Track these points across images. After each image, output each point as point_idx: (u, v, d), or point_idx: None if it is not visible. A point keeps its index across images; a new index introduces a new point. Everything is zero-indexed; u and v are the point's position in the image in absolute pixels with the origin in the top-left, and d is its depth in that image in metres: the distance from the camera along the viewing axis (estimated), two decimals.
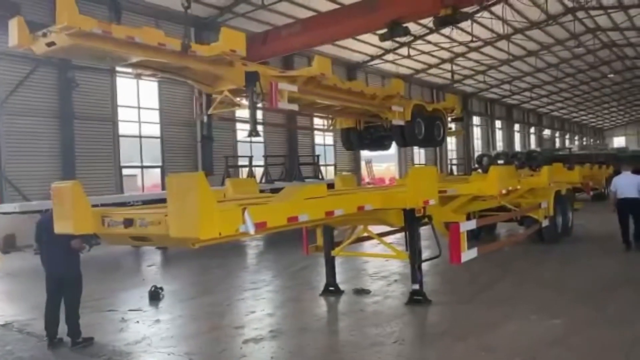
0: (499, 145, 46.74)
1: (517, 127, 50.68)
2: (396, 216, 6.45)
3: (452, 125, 15.44)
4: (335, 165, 29.93)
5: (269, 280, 8.82)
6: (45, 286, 5.71)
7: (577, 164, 18.54)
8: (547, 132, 57.25)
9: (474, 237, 11.83)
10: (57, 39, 6.28)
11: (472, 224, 7.25)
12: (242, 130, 23.82)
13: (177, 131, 21.18)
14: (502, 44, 29.24)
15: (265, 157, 20.99)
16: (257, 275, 9.35)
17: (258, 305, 7.04)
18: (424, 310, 6.45)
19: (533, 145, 50.57)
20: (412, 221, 6.47)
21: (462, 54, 31.00)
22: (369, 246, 9.45)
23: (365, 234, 7.30)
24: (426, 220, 6.53)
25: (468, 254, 6.75)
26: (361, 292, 7.47)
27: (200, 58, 7.35)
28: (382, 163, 35.99)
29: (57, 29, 6.15)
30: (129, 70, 19.02)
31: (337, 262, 8.10)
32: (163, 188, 20.63)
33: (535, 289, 7.32)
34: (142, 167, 20.23)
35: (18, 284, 10.51)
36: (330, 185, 8.27)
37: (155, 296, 7.66)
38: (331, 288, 7.44)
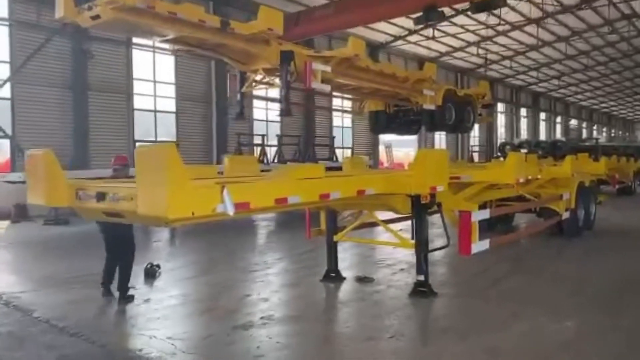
0: (523, 133, 45.57)
1: (543, 115, 49.33)
2: (403, 202, 6.02)
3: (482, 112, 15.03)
4: (352, 148, 29.43)
5: (272, 262, 8.51)
6: (105, 247, 6.33)
7: (603, 155, 17.74)
8: (574, 122, 55.60)
9: (490, 227, 11.42)
10: (102, 12, 6.40)
11: (484, 214, 6.78)
12: (259, 109, 23.60)
13: (192, 106, 20.96)
14: (531, 28, 28.12)
15: (280, 136, 20.56)
16: (261, 257, 9.05)
17: (255, 289, 6.73)
18: (427, 303, 6.05)
19: (559, 135, 49.17)
20: (419, 208, 6.03)
21: (489, 38, 29.96)
22: (378, 232, 9.04)
23: (371, 220, 6.89)
24: (435, 208, 6.09)
25: (479, 246, 6.30)
26: (364, 279, 7.10)
27: (238, 36, 7.40)
28: (402, 148, 35.36)
29: (102, 2, 6.29)
30: (149, 43, 19.19)
31: (343, 247, 7.76)
32: None
33: (548, 286, 6.84)
34: (156, 142, 20.01)
35: (21, 254, 10.41)
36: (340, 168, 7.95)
37: (151, 274, 7.40)
38: (332, 274, 7.08)
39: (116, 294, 6.23)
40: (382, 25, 25.72)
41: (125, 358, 4.49)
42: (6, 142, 16.09)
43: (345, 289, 6.74)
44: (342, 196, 4.71)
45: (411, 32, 27.43)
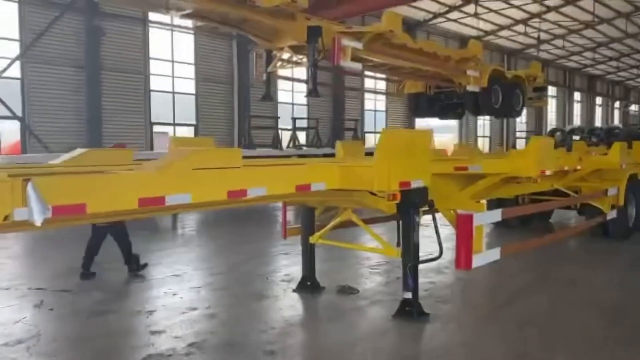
0: (576, 119, 42.43)
1: (599, 100, 45.81)
2: (384, 200, 4.73)
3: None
4: None
5: (244, 263, 7.32)
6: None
7: None
8: (634, 108, 51.50)
9: (523, 223, 9.88)
10: None
11: (493, 215, 5.33)
12: (284, 91, 22.45)
13: (213, 88, 20.02)
14: (587, 3, 25.51)
15: (294, 119, 19.31)
16: (239, 255, 7.88)
17: (207, 300, 5.59)
18: (413, 329, 4.74)
19: (617, 122, 45.60)
20: (406, 208, 4.72)
21: (538, 15, 27.45)
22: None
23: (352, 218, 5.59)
24: (427, 208, 4.76)
25: (484, 257, 4.91)
26: (346, 291, 5.84)
27: (261, 9, 6.79)
28: (443, 134, 33.44)
29: None
30: (167, 20, 18.34)
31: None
32: None
33: (578, 310, 5.35)
34: (174, 124, 19.26)
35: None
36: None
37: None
38: (308, 283, 5.86)
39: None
40: (420, 2, 23.95)
41: None
42: (16, 124, 15.62)
43: (318, 304, 5.51)
44: (269, 193, 3.48)
45: (452, 9, 25.48)
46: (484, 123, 33.87)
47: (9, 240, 8.82)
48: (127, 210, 2.87)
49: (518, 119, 35.88)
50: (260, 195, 3.41)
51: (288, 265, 6.96)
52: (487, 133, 34.78)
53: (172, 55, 18.95)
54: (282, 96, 22.55)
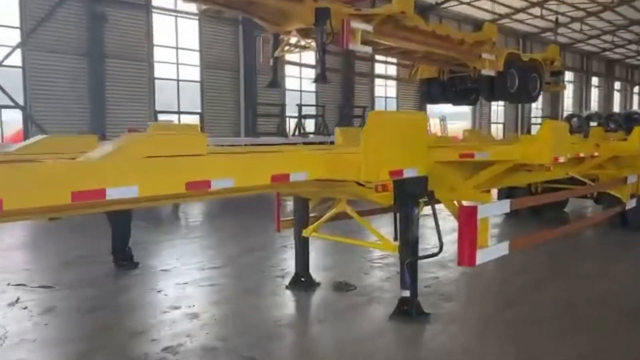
0: (594, 105, 41.34)
1: (617, 85, 44.55)
2: (382, 193, 4.33)
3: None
4: None
5: (241, 257, 6.97)
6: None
7: None
8: None
9: (536, 213, 9.40)
10: None
11: (500, 207, 4.87)
12: (292, 78, 21.99)
13: (218, 75, 19.63)
14: None
15: (299, 106, 18.87)
16: (238, 248, 7.52)
17: (191, 298, 5.22)
18: (410, 331, 4.35)
19: (636, 107, 44.35)
20: (404, 200, 4.31)
21: None
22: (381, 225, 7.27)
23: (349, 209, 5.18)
24: (426, 199, 4.34)
25: (489, 252, 4.48)
26: (342, 287, 5.46)
27: None
28: (455, 121, 32.71)
29: None
30: (171, 6, 17.96)
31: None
32: None
33: (594, 308, 4.92)
34: (179, 112, 18.93)
35: None
36: None
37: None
38: (302, 279, 5.49)
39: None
40: None
41: None
42: (18, 113, 15.42)
43: (310, 303, 5.14)
44: (239, 185, 3.08)
45: None
46: (497, 109, 33.12)
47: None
48: (46, 206, 2.46)
49: (533, 105, 35.01)
50: (228, 187, 3.01)
51: (287, 259, 6.57)
52: (501, 119, 34.01)
53: (176, 41, 18.58)
54: (290, 83, 22.09)
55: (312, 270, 5.88)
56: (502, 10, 28.11)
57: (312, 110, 20.68)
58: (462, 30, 26.49)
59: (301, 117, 17.81)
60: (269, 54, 8.13)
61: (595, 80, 41.67)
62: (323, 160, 3.51)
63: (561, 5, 27.93)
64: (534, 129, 32.56)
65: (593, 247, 7.61)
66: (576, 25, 31.71)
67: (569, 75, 38.36)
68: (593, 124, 25.32)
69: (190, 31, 18.85)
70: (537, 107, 36.11)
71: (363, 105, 22.90)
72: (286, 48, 8.15)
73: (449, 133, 31.02)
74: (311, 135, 16.14)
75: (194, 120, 19.31)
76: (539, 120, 35.93)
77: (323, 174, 3.51)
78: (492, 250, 4.52)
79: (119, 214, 6.18)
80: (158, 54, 18.07)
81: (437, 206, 4.73)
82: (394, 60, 11.38)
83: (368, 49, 7.89)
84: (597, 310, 4.86)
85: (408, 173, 3.72)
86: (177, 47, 18.60)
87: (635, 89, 47.53)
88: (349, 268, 6.20)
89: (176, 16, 18.41)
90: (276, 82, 8.95)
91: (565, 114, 35.05)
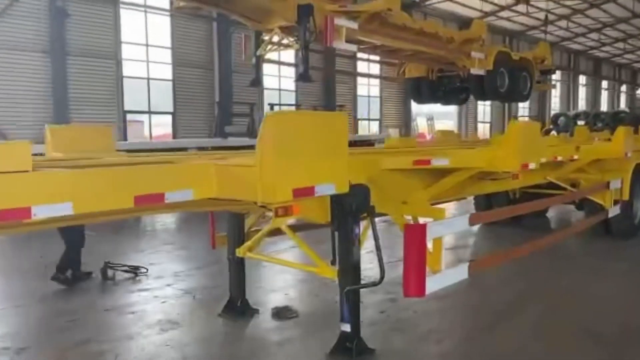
0: (581, 104, 40.98)
1: (604, 84, 44.25)
2: (317, 208, 3.64)
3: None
4: (380, 121, 26.71)
5: (185, 275, 6.22)
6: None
7: None
8: None
9: (515, 220, 8.75)
10: None
11: (455, 224, 4.16)
12: (270, 76, 21.26)
13: (191, 73, 18.86)
14: None
15: (271, 105, 18.18)
16: (188, 263, 6.79)
17: (106, 328, 4.49)
18: None
19: (623, 106, 44.05)
20: (342, 216, 3.61)
21: None
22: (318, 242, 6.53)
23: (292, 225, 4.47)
24: (365, 214, 3.64)
25: (444, 278, 3.79)
26: (283, 314, 4.75)
27: None
28: (442, 120, 32.11)
29: None
30: (140, 1, 17.16)
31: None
32: (174, 136, 18.62)
33: (576, 337, 4.25)
34: (149, 112, 18.14)
35: None
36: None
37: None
38: (238, 304, 4.77)
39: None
40: None
41: None
42: None
43: (238, 335, 4.40)
44: (79, 211, 2.32)
45: None
46: (484, 109, 32.64)
47: None
48: None
49: (520, 104, 34.54)
50: (64, 215, 2.28)
51: None
52: (488, 119, 33.52)
53: (146, 38, 17.78)
54: (269, 81, 21.35)
55: (257, 292, 5.19)
56: (487, 7, 27.59)
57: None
58: (448, 28, 25.97)
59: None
60: (251, 53, 7.98)
61: (582, 79, 41.33)
62: (215, 174, 2.80)
63: (547, 3, 27.43)
64: None
65: (575, 258, 6.96)
66: (563, 23, 31.28)
67: (556, 74, 37.92)
68: (580, 123, 24.91)
69: (161, 27, 18.05)
70: (524, 106, 35.65)
71: (340, 105, 22.16)
72: (269, 47, 7.96)
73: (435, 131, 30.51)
74: None
75: (166, 120, 18.53)
76: (527, 120, 35.51)
77: (216, 192, 2.79)
78: (446, 275, 3.84)
79: (72, 227, 5.51)
80: (126, 51, 17.26)
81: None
82: (377, 58, 11.06)
83: (353, 47, 7.69)
84: (576, 341, 4.18)
85: (322, 190, 2.99)
86: (147, 44, 17.80)
87: (623, 88, 47.29)
88: (298, 289, 5.49)
89: (146, 11, 17.63)
90: (258, 80, 8.72)
91: (552, 113, 34.60)
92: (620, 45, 37.79)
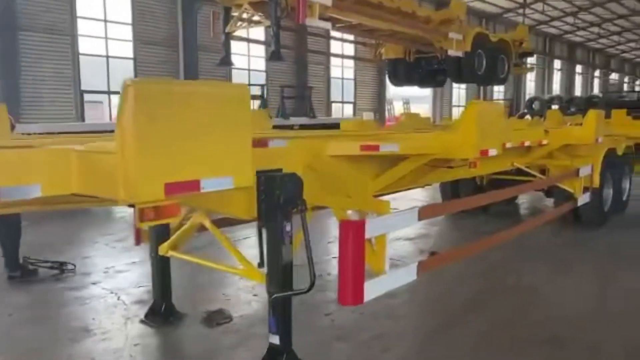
0: (556, 88, 41.03)
1: (579, 69, 44.37)
2: (240, 202, 3.10)
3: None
4: (354, 104, 26.14)
5: (117, 271, 5.60)
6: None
7: None
8: (614, 77, 50.26)
9: (484, 208, 8.37)
10: None
11: (401, 219, 3.62)
12: (240, 55, 20.46)
13: (154, 51, 17.95)
14: None
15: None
16: (122, 259, 6.15)
17: (20, 340, 3.91)
18: None
19: (596, 91, 44.31)
20: (270, 211, 3.07)
21: None
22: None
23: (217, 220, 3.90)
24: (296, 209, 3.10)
25: (387, 281, 3.28)
26: (214, 318, 4.21)
27: None
28: (421, 104, 31.67)
29: None
30: None
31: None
32: None
33: (534, 346, 3.81)
34: (109, 92, 17.21)
35: None
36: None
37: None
38: (162, 308, 4.20)
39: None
40: None
41: None
42: None
43: (153, 346, 3.84)
44: None
45: None
46: (459, 92, 32.32)
47: None
48: None
49: (495, 88, 34.34)
50: None
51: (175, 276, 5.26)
52: (463, 103, 33.23)
53: (104, 13, 16.78)
54: (237, 61, 20.51)
55: (191, 292, 4.64)
56: None
57: (253, 90, 19.13)
58: (423, 7, 25.37)
59: None
60: (220, 30, 7.70)
61: (557, 64, 41.32)
62: (76, 164, 2.19)
63: None
64: None
65: (540, 250, 6.57)
66: (539, 6, 30.98)
67: (532, 58, 37.76)
68: (555, 106, 24.76)
69: (120, 2, 17.06)
70: (499, 90, 35.45)
71: (308, 87, 21.48)
72: (238, 23, 7.70)
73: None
74: None
75: None
76: (502, 103, 35.35)
77: (77, 187, 2.19)
78: (391, 278, 3.33)
79: (7, 219, 5.01)
80: (83, 27, 16.26)
81: None
82: (352, 38, 10.87)
83: (327, 25, 7.42)
84: (534, 352, 3.74)
85: (212, 185, 2.37)
86: (105, 20, 16.81)
87: (596, 73, 47.54)
88: (236, 288, 4.94)
89: None
90: (228, 59, 8.42)
91: (527, 97, 34.51)
92: (595, 29, 37.78)
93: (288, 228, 3.18)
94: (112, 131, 2.25)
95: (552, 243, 6.91)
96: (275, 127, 14.44)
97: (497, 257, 5.84)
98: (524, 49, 12.20)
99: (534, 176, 6.84)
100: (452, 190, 8.70)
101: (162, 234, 4.07)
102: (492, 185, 8.06)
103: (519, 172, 6.74)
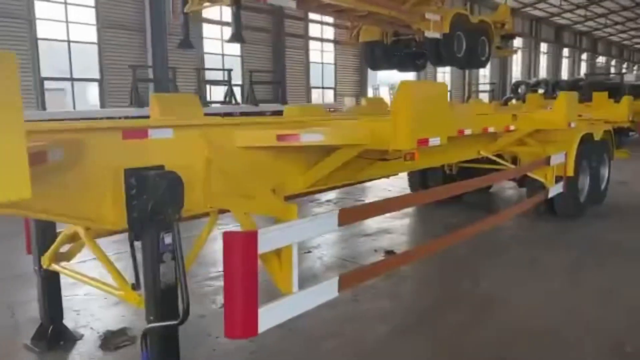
0: (542, 72, 40.53)
1: (566, 52, 43.88)
2: (106, 207, 2.48)
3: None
4: (335, 89, 25.43)
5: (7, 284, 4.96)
6: None
7: (632, 96, 13.51)
8: (601, 60, 49.85)
9: (456, 198, 7.81)
10: None
11: (314, 226, 2.95)
12: (211, 40, 19.69)
13: (120, 36, 17.12)
14: None
15: (197, 70, 16.73)
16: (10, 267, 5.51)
17: None
18: None
19: (583, 74, 43.89)
20: (139, 222, 2.45)
21: None
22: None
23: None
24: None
25: (295, 303, 2.67)
26: (113, 340, 3.59)
27: None
28: None
29: None
30: None
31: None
32: (102, 106, 16.94)
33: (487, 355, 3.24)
34: (72, 79, 16.39)
35: None
36: None
37: None
38: (51, 329, 3.57)
39: None
40: None
41: None
42: None
43: None
44: None
45: None
46: (443, 76, 31.69)
47: None
48: None
49: (481, 72, 33.80)
50: None
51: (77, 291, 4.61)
52: (449, 87, 32.62)
53: None
54: (209, 46, 19.73)
55: (92, 309, 4.01)
56: None
57: (221, 76, 18.39)
58: None
59: (203, 82, 15.65)
60: (179, 10, 7.45)
61: (544, 47, 40.78)
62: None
63: None
64: (482, 97, 31.31)
65: (509, 248, 6.00)
66: None
67: (518, 41, 37.13)
68: (541, 90, 24.23)
69: None
70: (484, 74, 34.91)
71: (273, 71, 20.71)
72: (197, 2, 7.24)
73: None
74: (212, 105, 14.00)
75: (93, 88, 16.80)
76: (487, 88, 34.75)
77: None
78: (301, 298, 2.70)
79: None
80: (41, 10, 15.38)
81: None
82: (331, 20, 10.38)
83: (292, 4, 7.11)
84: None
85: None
86: (65, 2, 15.92)
87: (583, 56, 47.09)
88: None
89: None
90: (188, 42, 8.18)
91: (513, 80, 33.98)
92: (582, 12, 37.23)
93: (168, 240, 2.56)
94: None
95: (522, 239, 6.36)
96: (242, 114, 13.80)
97: (458, 255, 5.27)
98: (506, 30, 11.78)
99: (504, 165, 6.30)
100: (420, 179, 8.13)
101: (43, 246, 3.42)
102: (462, 174, 7.50)
103: (490, 160, 6.21)
